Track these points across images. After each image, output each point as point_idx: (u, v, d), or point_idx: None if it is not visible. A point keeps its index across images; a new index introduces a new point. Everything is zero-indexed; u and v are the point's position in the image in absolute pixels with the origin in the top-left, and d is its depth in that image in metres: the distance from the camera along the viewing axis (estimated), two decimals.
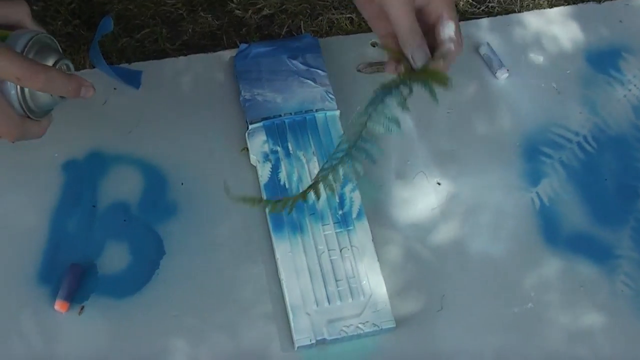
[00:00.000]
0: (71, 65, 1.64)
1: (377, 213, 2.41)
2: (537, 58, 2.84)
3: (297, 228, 2.32)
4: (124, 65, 2.63)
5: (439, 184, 2.49)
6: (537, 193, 2.55)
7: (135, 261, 2.31)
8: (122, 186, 2.44)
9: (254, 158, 2.45)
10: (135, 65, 2.63)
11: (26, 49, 1.47)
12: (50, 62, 1.54)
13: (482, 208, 2.42)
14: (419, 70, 1.74)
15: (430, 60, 1.74)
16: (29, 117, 1.56)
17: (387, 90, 1.92)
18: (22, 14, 1.56)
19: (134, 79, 2.56)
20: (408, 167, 2.47)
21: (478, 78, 2.76)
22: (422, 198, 2.32)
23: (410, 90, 1.77)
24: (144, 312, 2.23)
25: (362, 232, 2.36)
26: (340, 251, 2.30)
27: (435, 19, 1.81)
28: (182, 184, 2.42)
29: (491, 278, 2.37)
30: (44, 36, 1.56)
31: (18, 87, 1.46)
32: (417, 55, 1.77)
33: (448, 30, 1.82)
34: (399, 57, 1.76)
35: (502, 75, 2.75)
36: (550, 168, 2.59)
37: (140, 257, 2.32)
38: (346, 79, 2.70)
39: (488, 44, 2.80)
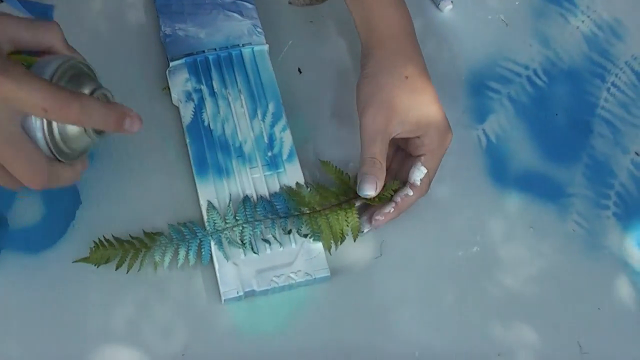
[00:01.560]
0: (111, 96, 1.39)
1: (310, 154, 2.22)
2: None
3: (223, 171, 2.13)
4: None
5: None
6: (483, 130, 2.40)
7: (49, 213, 2.13)
8: None
9: (175, 98, 2.25)
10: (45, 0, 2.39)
11: (55, 76, 1.22)
12: (85, 92, 1.28)
13: None
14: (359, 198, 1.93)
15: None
16: (58, 159, 1.33)
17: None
18: (53, 38, 1.31)
19: (44, 15, 2.33)
20: (345, 106, 2.29)
21: (420, 10, 2.59)
22: (357, 137, 2.12)
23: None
24: (62, 267, 2.06)
25: (293, 175, 2.18)
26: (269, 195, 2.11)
27: (415, 157, 1.87)
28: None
29: (433, 221, 2.23)
30: (78, 62, 1.33)
31: (45, 122, 1.21)
32: (364, 184, 1.90)
33: (417, 175, 1.89)
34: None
35: (446, 7, 2.59)
36: (498, 104, 2.44)
37: (54, 208, 2.15)
38: (276, 12, 2.52)
39: None
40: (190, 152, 2.18)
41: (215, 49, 2.33)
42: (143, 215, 2.10)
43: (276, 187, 2.14)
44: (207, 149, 2.16)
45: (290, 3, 2.48)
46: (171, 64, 2.31)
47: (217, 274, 2.06)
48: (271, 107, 2.24)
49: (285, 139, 2.22)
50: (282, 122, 2.24)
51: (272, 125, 2.23)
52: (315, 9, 2.48)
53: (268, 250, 2.07)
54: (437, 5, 2.53)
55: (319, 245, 2.09)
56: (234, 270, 2.06)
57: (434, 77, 2.35)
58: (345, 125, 2.28)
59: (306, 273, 2.06)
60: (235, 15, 2.40)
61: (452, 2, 2.53)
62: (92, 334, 1.95)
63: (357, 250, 2.14)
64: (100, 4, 2.45)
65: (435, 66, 2.41)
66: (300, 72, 2.38)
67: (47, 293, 2.00)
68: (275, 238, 2.07)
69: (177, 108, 2.26)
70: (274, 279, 2.05)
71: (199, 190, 2.11)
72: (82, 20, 2.39)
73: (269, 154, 2.20)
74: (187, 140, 2.18)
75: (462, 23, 2.56)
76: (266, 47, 2.35)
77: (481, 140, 2.34)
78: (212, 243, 2.05)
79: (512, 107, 2.39)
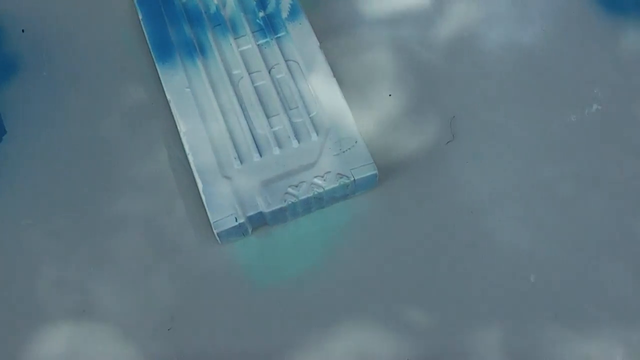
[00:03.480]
0: None
1: (326, 11, 1.55)
2: None
3: (195, 50, 1.42)
4: None
5: None
6: None
7: None
8: None
9: None
10: None
11: None
12: None
13: None
14: None
15: None
16: None
17: None
18: None
19: None
20: None
21: None
22: None
23: None
24: None
25: (301, 36, 1.45)
26: (270, 72, 1.40)
27: None
28: (22, 30, 1.65)
29: (526, 80, 1.52)
30: None
31: None
32: None
33: None
34: None
35: None
36: None
37: None
38: None
39: None
40: (145, 33, 1.49)
41: None
42: (89, 135, 1.48)
43: (277, 59, 1.40)
44: (168, 24, 1.47)
45: None
46: None
47: (203, 197, 1.33)
48: None
49: None
50: None
51: None
52: None
53: (276, 150, 1.33)
54: None
55: (352, 131, 1.34)
56: (227, 186, 1.33)
57: None
58: None
59: (338, 174, 1.31)
60: None
61: None
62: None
63: (416, 136, 1.38)
64: None
65: None
66: None
67: None
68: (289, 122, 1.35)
69: None
70: (289, 190, 1.33)
71: (163, 82, 1.41)
72: None
73: (261, 14, 1.47)
74: (140, 17, 1.47)
75: None
76: None
77: None
78: (186, 145, 1.34)
79: None
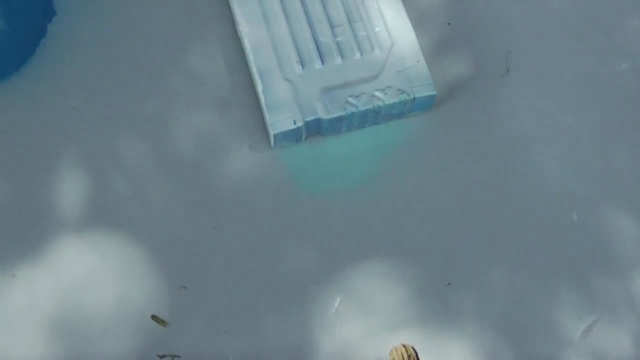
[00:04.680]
0: None
1: None
2: None
3: None
4: None
5: None
6: None
7: (10, 28, 1.45)
8: None
9: None
10: None
11: None
12: None
13: None
14: None
15: None
16: None
17: None
18: None
19: None
20: None
21: None
22: None
23: None
24: (27, 102, 1.42)
25: None
26: None
27: None
28: None
29: (581, 19, 1.52)
30: None
31: None
32: None
33: None
34: None
35: None
36: None
37: (18, 22, 1.46)
38: None
39: None
40: None
41: None
42: (145, 26, 1.45)
43: None
44: None
45: None
46: None
47: (261, 97, 1.32)
48: None
49: None
50: None
51: None
52: None
53: (338, 59, 1.32)
54: None
55: (415, 49, 1.34)
56: (288, 89, 1.32)
57: None
58: None
59: (399, 90, 1.32)
60: None
61: None
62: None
63: (472, 65, 1.39)
64: None
65: None
66: None
67: (8, 142, 1.40)
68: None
69: None
70: (350, 100, 1.32)
71: None
72: None
73: None
74: None
75: None
76: None
77: None
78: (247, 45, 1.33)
79: None
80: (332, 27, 1.40)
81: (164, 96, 1.43)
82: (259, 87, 1.36)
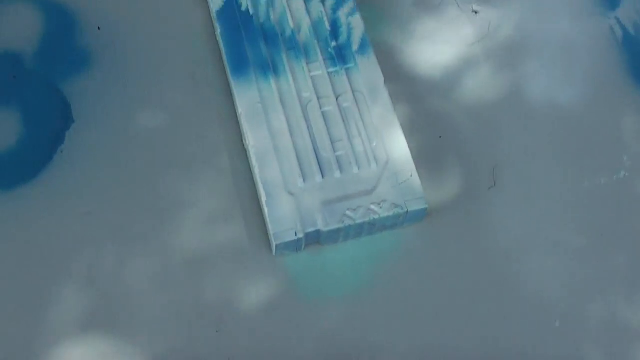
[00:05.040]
0: None
1: (390, 52, 1.64)
2: None
3: (269, 68, 1.50)
4: None
5: (475, 12, 1.68)
6: (617, 19, 1.74)
7: (30, 134, 1.57)
8: (8, 27, 1.67)
9: None
10: None
11: None
12: None
13: (543, 42, 1.74)
14: None
15: None
16: None
17: None
18: None
19: None
20: None
21: None
22: (453, 31, 1.65)
23: None
24: (43, 207, 1.50)
25: (368, 70, 1.55)
26: (337, 99, 1.49)
27: None
28: (98, 28, 1.72)
29: (563, 136, 1.64)
30: None
31: None
32: None
33: None
34: None
35: None
36: None
37: (38, 128, 1.58)
38: None
39: None
40: (222, 47, 1.57)
41: None
42: (155, 136, 1.52)
43: (345, 88, 1.50)
44: (246, 41, 1.55)
45: None
46: None
47: (265, 209, 1.42)
48: None
49: (355, 25, 1.60)
50: (350, 3, 1.63)
51: (336, 8, 1.61)
52: None
53: (337, 174, 1.43)
54: None
55: (409, 164, 1.46)
56: (290, 202, 1.43)
57: None
58: (431, 14, 1.67)
59: (393, 204, 1.42)
60: None
61: None
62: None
63: (461, 178, 1.50)
64: None
65: None
66: None
67: (24, 246, 1.47)
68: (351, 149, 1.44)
69: None
70: (348, 213, 1.42)
71: (236, 95, 1.48)
72: None
73: (333, 44, 1.57)
74: (218, 31, 1.56)
75: None
76: None
77: (615, 32, 1.70)
78: (253, 158, 1.43)
79: None
80: (332, 142, 1.51)
81: (173, 206, 1.53)
82: (263, 199, 1.46)
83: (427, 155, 1.60)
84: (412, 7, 1.76)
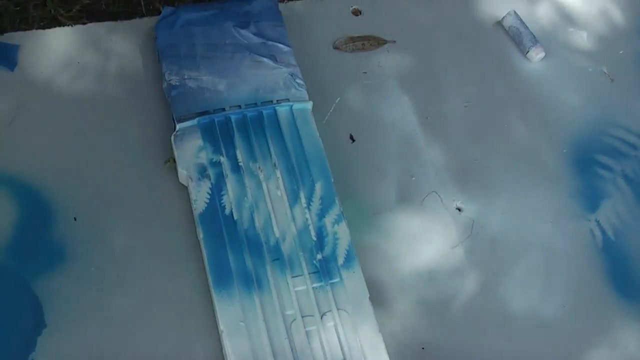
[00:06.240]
0: None
1: (371, 255, 1.60)
2: (580, 34, 2.05)
3: (252, 282, 1.49)
4: None
5: (459, 209, 1.68)
6: (597, 222, 1.79)
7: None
8: None
9: (183, 174, 1.61)
10: (10, 37, 1.82)
11: None
12: None
13: (525, 246, 1.75)
14: None
15: None
16: None
17: None
18: None
19: (7, 56, 1.78)
20: (414, 185, 1.71)
21: (504, 59, 1.99)
22: (437, 232, 1.71)
23: None
24: None
25: (353, 285, 1.54)
26: (322, 318, 1.47)
27: None
28: (74, 218, 1.68)
29: (543, 351, 1.67)
30: None
31: None
32: None
33: None
34: None
35: (537, 56, 1.98)
36: (612, 185, 1.85)
37: (7, 332, 1.51)
38: (319, 58, 1.92)
39: (515, 12, 2.00)
40: (204, 253, 1.53)
41: (239, 106, 1.72)
42: (135, 347, 1.52)
43: (330, 306, 1.48)
44: (229, 250, 1.52)
45: (335, 48, 1.85)
46: (178, 126, 1.67)
47: None
48: (319, 189, 1.60)
49: (341, 235, 1.58)
50: (336, 209, 1.60)
51: (322, 215, 1.59)
52: (369, 54, 1.86)
53: None
54: (524, 53, 1.93)
55: None
56: None
57: (527, 149, 1.85)
58: (415, 212, 1.71)
59: None
60: (266, 60, 1.77)
61: (543, 49, 1.91)
62: None
63: None
64: (84, 42, 1.80)
65: (527, 133, 1.87)
66: (353, 140, 1.74)
67: None
68: None
69: (186, 188, 1.63)
70: None
71: (218, 310, 1.45)
72: (59, 65, 1.75)
73: (319, 256, 1.55)
74: (201, 236, 1.53)
75: (557, 76, 2.00)
76: (309, 104, 1.72)
77: (595, 236, 1.72)
78: None
79: (629, 190, 1.79)
80: None
81: None
82: None
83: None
84: (396, 204, 1.75)
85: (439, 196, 1.77)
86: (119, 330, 1.54)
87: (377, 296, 1.61)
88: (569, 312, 1.69)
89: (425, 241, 1.71)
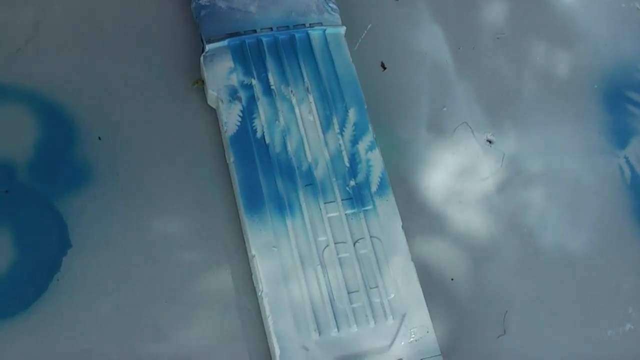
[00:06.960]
0: None
1: (403, 184, 1.63)
2: None
3: (285, 207, 1.45)
4: None
5: (489, 142, 1.64)
6: (626, 158, 1.76)
7: (23, 258, 1.47)
8: (1, 137, 1.56)
9: (213, 95, 1.57)
10: None
11: None
12: None
13: (554, 179, 1.72)
14: None
15: None
16: None
17: None
18: None
19: None
20: (445, 116, 1.68)
21: None
22: (467, 163, 1.68)
23: None
24: (37, 343, 1.41)
25: (386, 214, 1.51)
26: (354, 244, 1.45)
27: None
28: (99, 138, 1.62)
29: (572, 286, 1.65)
30: None
31: None
32: None
33: None
34: None
35: None
36: None
37: (31, 252, 1.48)
38: None
39: None
40: (235, 177, 1.48)
41: (271, 29, 1.66)
42: (160, 268, 1.48)
43: (362, 233, 1.46)
44: (261, 173, 1.48)
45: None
46: (207, 47, 1.62)
47: None
48: (352, 115, 1.56)
49: (374, 162, 1.55)
50: (369, 136, 1.57)
51: (355, 141, 1.55)
52: None
53: (354, 327, 1.39)
54: None
55: (426, 319, 1.42)
56: (304, 356, 1.37)
57: (559, 82, 1.81)
58: (446, 142, 1.68)
59: None
60: None
61: None
62: None
63: (473, 326, 1.48)
64: None
65: (559, 67, 1.83)
66: (385, 68, 1.69)
67: None
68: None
69: (215, 111, 1.57)
70: None
71: (249, 234, 1.42)
72: None
73: (352, 183, 1.52)
74: (231, 159, 1.49)
75: (589, 10, 1.93)
76: (342, 29, 1.66)
77: (624, 173, 1.70)
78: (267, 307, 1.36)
79: None
80: (349, 292, 1.47)
81: (176, 343, 1.46)
82: (277, 352, 1.41)
83: (440, 300, 1.57)
84: (427, 134, 1.72)
85: (470, 127, 1.74)
86: (146, 251, 1.51)
87: (408, 225, 1.58)
88: (596, 248, 1.68)
89: (455, 172, 1.69)
